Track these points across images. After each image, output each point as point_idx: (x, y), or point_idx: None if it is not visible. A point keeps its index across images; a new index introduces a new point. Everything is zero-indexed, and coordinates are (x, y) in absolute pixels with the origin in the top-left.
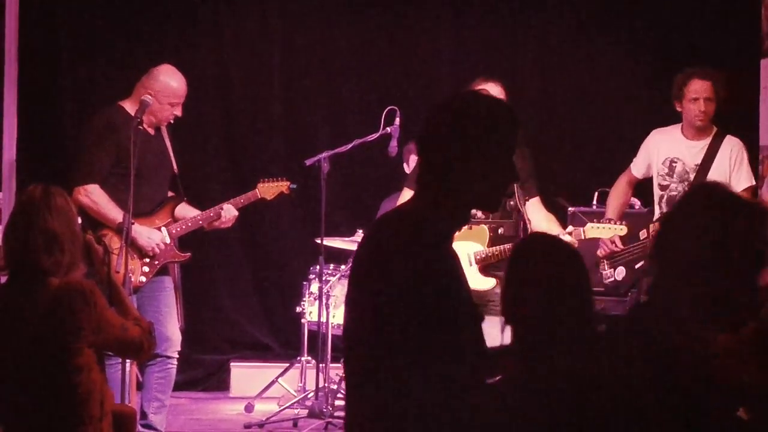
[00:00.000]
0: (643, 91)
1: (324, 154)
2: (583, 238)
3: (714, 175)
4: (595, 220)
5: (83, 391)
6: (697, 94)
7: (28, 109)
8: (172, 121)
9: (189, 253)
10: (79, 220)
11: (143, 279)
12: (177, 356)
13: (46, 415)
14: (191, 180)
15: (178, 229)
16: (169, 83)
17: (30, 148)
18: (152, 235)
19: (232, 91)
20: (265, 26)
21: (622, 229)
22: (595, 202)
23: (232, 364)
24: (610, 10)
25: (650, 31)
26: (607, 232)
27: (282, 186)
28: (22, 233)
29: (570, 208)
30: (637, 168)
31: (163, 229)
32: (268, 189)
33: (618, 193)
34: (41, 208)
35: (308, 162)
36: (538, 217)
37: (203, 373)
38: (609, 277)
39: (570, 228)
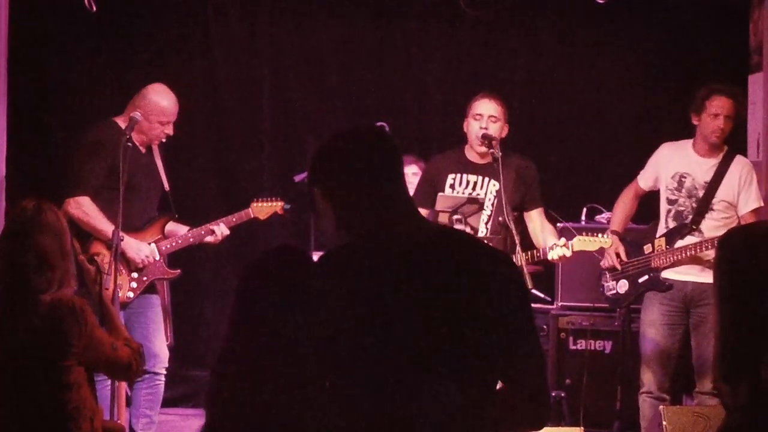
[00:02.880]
0: (632, 107)
1: None
2: (571, 250)
3: (722, 193)
4: (583, 233)
5: (73, 407)
6: (719, 110)
7: (17, 124)
8: (164, 140)
9: (178, 270)
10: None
11: (131, 295)
12: (165, 372)
13: (37, 431)
14: (181, 197)
15: (168, 246)
16: (158, 102)
17: (20, 164)
18: (141, 248)
19: (222, 107)
20: (254, 43)
21: (607, 242)
22: (583, 217)
23: None
24: (599, 28)
25: (639, 48)
26: (592, 244)
27: (276, 206)
28: (12, 251)
29: (559, 223)
30: (645, 180)
31: (153, 245)
32: (262, 209)
33: (624, 205)
34: (32, 226)
35: (297, 178)
36: (535, 228)
37: (193, 390)
38: (611, 290)
39: (561, 240)
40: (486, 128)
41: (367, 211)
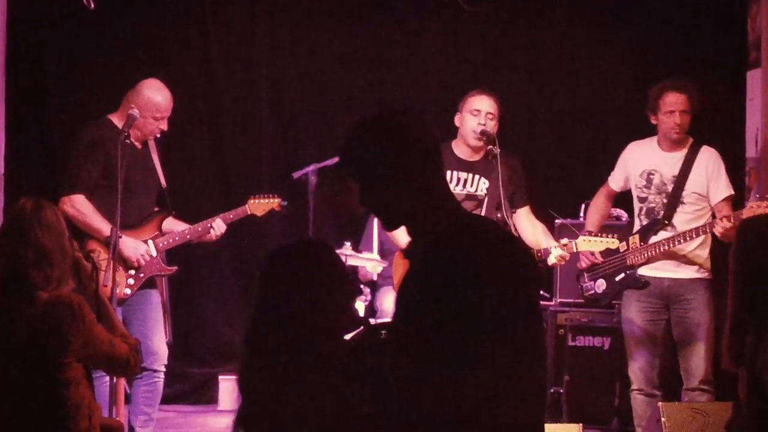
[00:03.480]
0: (629, 104)
1: (311, 167)
2: (575, 251)
3: (692, 185)
4: (586, 233)
5: (71, 404)
6: (673, 107)
7: (16, 122)
8: (158, 135)
9: (175, 267)
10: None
11: (128, 291)
12: (164, 369)
13: (35, 428)
14: (179, 194)
15: (165, 243)
16: (153, 97)
17: (18, 162)
18: (138, 246)
19: (220, 105)
20: (252, 41)
21: (614, 242)
22: (581, 214)
23: (220, 377)
24: (596, 25)
25: (636, 44)
26: (598, 245)
27: (273, 203)
28: (12, 248)
29: (557, 220)
30: (615, 181)
31: (150, 242)
32: (259, 206)
33: (597, 207)
34: (32, 223)
35: (296, 175)
36: (526, 227)
37: (191, 387)
38: (589, 290)
39: (564, 240)
40: (484, 125)
41: (407, 198)
